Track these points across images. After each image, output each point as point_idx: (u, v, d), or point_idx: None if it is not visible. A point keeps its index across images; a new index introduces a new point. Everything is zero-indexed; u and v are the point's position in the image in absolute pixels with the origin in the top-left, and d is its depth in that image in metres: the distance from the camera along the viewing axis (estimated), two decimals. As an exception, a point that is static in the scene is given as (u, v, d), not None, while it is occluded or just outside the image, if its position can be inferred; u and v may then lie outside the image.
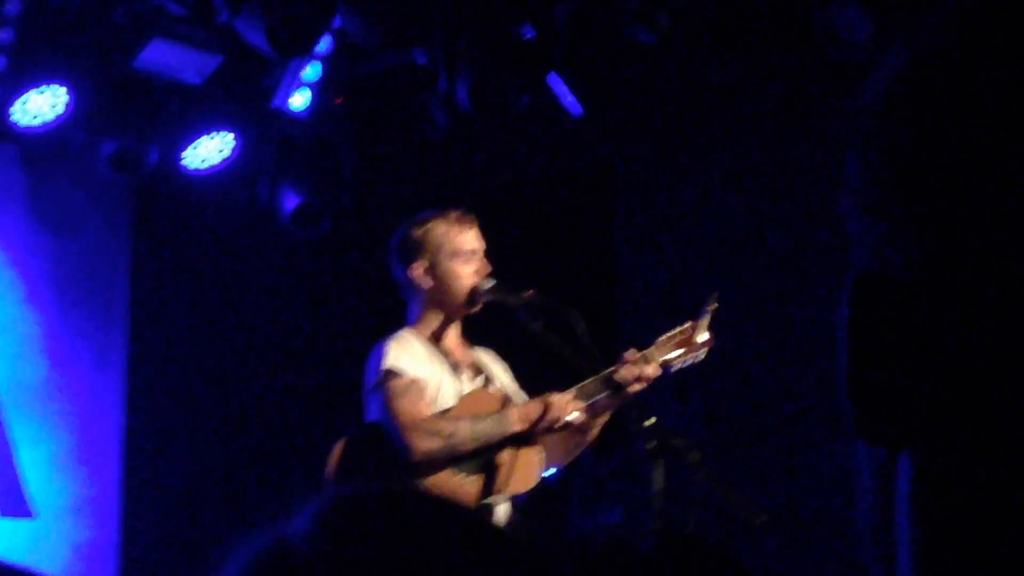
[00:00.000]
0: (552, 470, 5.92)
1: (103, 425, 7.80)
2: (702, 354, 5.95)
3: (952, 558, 0.87)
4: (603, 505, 8.07)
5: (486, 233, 5.96)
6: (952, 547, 0.86)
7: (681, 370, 5.98)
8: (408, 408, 5.55)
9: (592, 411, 5.77)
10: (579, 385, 5.72)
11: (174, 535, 7.93)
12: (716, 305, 5.90)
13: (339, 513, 1.07)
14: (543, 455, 5.76)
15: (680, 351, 5.90)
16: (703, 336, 5.90)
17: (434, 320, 5.84)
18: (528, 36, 7.32)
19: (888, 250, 0.90)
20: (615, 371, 5.71)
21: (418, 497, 1.08)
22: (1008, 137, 0.85)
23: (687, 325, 5.94)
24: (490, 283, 5.79)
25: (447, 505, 1.07)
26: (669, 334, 5.93)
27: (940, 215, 0.86)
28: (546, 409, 5.64)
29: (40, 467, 7.49)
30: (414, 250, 5.84)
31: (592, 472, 7.95)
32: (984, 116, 0.86)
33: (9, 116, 7.22)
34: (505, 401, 5.82)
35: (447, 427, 5.56)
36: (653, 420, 5.32)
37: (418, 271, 5.82)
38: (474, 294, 5.79)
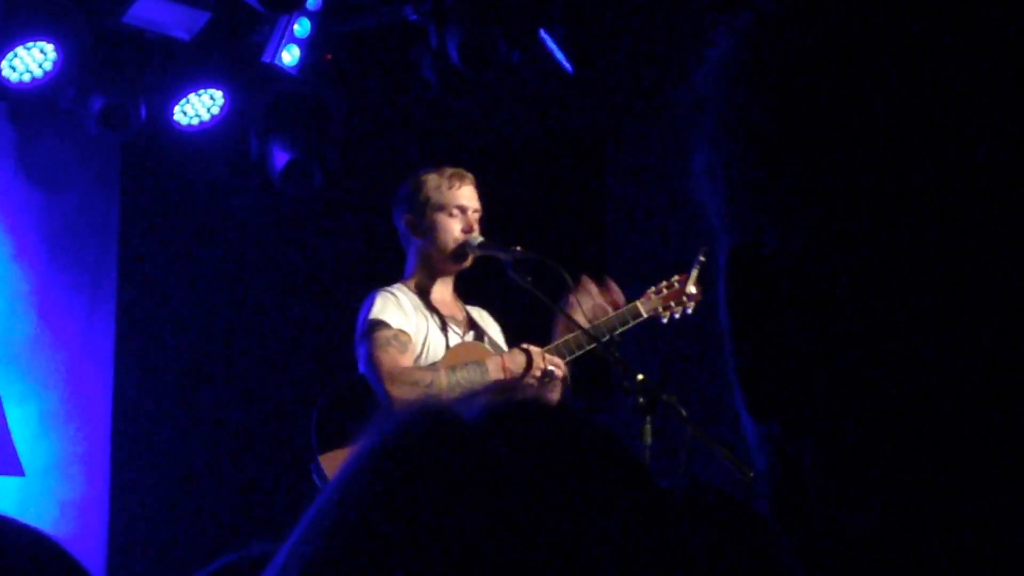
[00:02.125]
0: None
1: (92, 381, 7.80)
2: (691, 306, 6.00)
3: (853, 534, 0.86)
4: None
5: (476, 188, 5.97)
6: (851, 520, 0.86)
7: (671, 321, 6.01)
8: (389, 359, 5.60)
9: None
10: (564, 339, 5.74)
11: (163, 492, 7.93)
12: (706, 258, 5.92)
13: (513, 408, 1.08)
14: None
15: (670, 303, 5.95)
16: (692, 288, 5.95)
17: (425, 274, 5.90)
18: (519, -8, 7.29)
19: (760, 231, 0.88)
20: (603, 319, 5.75)
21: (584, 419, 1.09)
22: (881, 104, 0.83)
23: (677, 277, 5.98)
24: (478, 239, 5.81)
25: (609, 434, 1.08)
26: (658, 286, 5.97)
27: (815, 190, 0.85)
28: (527, 360, 5.66)
29: (29, 424, 7.48)
30: (408, 202, 5.92)
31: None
32: (856, 82, 0.84)
33: (-2, 72, 7.20)
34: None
35: (425, 376, 5.60)
36: (641, 376, 5.34)
37: (409, 223, 5.91)
38: (461, 249, 5.82)
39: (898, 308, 0.82)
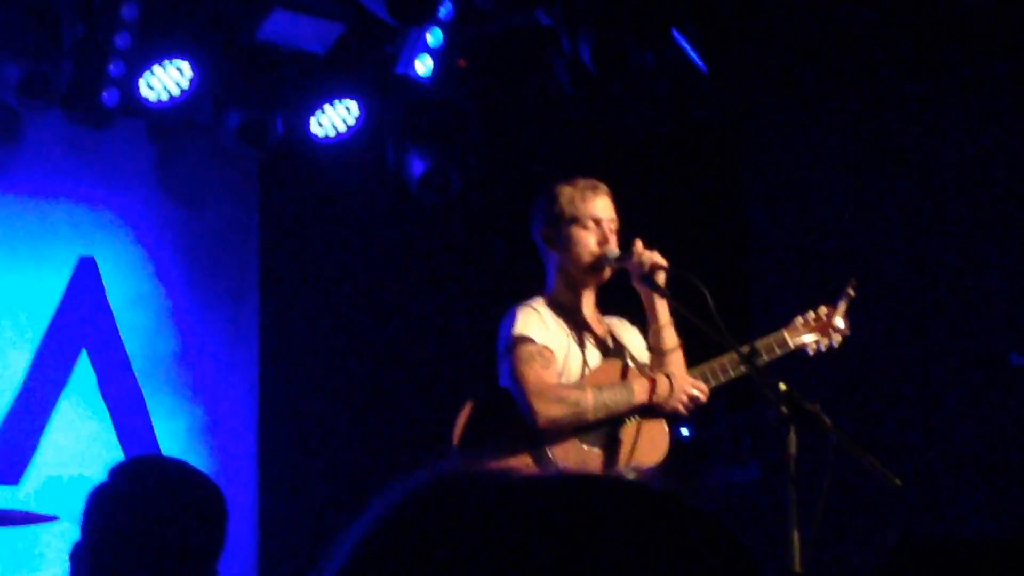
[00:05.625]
0: (685, 430, 5.86)
1: (238, 397, 7.86)
2: (837, 339, 5.91)
3: None
4: (739, 461, 8.00)
5: (612, 199, 5.90)
6: None
7: (817, 353, 5.93)
8: (535, 374, 5.55)
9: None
10: (708, 364, 5.68)
11: (311, 505, 7.97)
12: (854, 292, 5.87)
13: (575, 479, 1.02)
14: (667, 428, 5.72)
15: (816, 335, 5.87)
16: (840, 323, 5.87)
17: (565, 288, 5.82)
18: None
19: None
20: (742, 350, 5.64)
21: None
22: None
23: (824, 310, 5.90)
24: (615, 251, 5.74)
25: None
26: (805, 316, 5.88)
27: None
28: (671, 385, 5.61)
29: (176, 440, 7.56)
30: (543, 215, 5.85)
31: (726, 427, 7.87)
32: None
33: (136, 91, 7.28)
34: (629, 372, 5.78)
35: (573, 395, 5.55)
36: (784, 386, 5.25)
37: (545, 236, 5.83)
38: (597, 261, 5.75)
39: None
